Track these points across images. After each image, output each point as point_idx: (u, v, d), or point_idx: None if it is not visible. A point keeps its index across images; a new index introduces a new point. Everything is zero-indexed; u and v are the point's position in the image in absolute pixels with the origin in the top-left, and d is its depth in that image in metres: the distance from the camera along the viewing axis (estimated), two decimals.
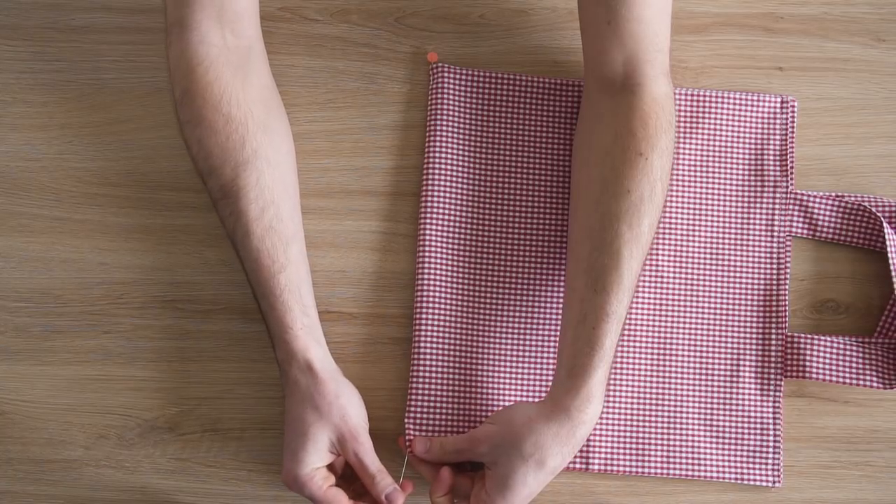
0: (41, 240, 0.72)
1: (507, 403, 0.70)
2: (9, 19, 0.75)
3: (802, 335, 0.71)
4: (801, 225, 0.73)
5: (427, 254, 0.71)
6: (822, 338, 0.71)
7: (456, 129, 0.73)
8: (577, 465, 0.70)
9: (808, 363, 0.71)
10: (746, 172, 0.74)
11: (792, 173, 0.74)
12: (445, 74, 0.73)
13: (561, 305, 0.71)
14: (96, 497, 0.70)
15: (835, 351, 0.71)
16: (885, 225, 0.71)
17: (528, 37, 0.76)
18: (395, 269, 0.73)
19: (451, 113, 0.73)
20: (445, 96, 0.73)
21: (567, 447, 0.62)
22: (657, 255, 0.72)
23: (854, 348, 0.71)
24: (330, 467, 0.65)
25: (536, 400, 0.70)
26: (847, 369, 0.70)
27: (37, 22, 0.75)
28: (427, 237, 0.71)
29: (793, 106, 0.74)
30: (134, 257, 0.72)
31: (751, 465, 0.70)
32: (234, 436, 0.71)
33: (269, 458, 0.70)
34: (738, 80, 0.76)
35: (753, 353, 0.72)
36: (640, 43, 0.63)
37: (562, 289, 0.72)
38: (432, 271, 0.71)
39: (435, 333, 0.70)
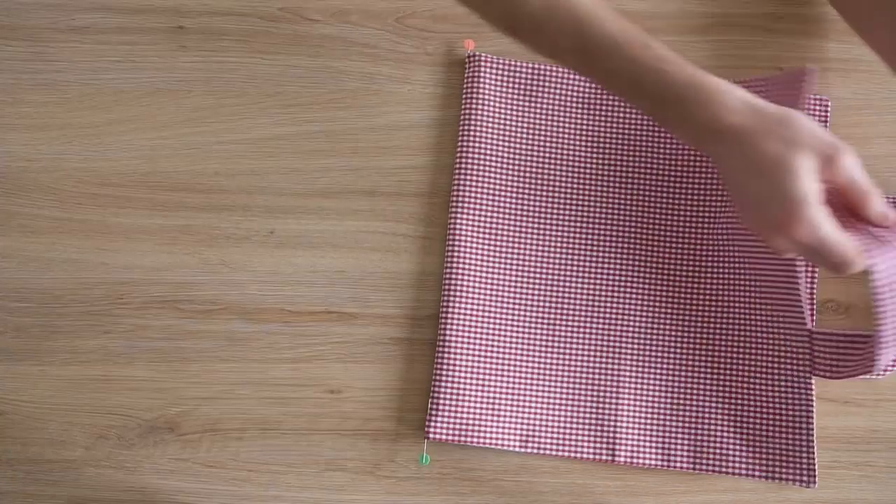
0: (41, 240, 0.72)
1: (532, 411, 0.71)
2: (9, 19, 0.75)
3: (827, 330, 0.71)
4: None
5: (457, 254, 0.71)
6: (850, 333, 0.70)
7: (494, 123, 0.73)
8: (604, 457, 0.70)
9: (834, 362, 0.70)
10: None
11: None
12: (483, 65, 0.73)
13: (604, 314, 0.72)
14: (96, 497, 0.70)
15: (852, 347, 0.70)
16: None
17: None
18: (395, 269, 0.73)
19: (487, 106, 0.73)
20: (482, 87, 0.73)
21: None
22: (685, 250, 0.72)
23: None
24: None
25: (567, 414, 0.71)
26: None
27: (37, 22, 0.75)
28: (458, 237, 0.71)
29: (826, 104, 0.74)
30: (134, 257, 0.72)
31: (784, 464, 0.70)
32: (234, 436, 0.71)
33: (270, 459, 0.70)
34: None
35: (784, 348, 0.71)
36: None
37: (606, 297, 0.72)
38: (462, 272, 0.71)
39: (462, 336, 0.70)
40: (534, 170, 0.73)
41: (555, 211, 0.73)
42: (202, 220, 0.73)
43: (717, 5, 0.77)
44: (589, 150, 0.74)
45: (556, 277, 0.72)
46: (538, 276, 0.72)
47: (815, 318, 0.72)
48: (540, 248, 0.73)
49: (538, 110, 0.74)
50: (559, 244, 0.73)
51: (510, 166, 0.73)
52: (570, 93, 0.74)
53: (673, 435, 0.70)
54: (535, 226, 0.73)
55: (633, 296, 0.72)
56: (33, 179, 0.73)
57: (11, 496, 0.70)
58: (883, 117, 0.76)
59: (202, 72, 0.75)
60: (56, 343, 0.71)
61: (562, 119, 0.74)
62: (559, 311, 0.72)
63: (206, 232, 0.73)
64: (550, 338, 0.72)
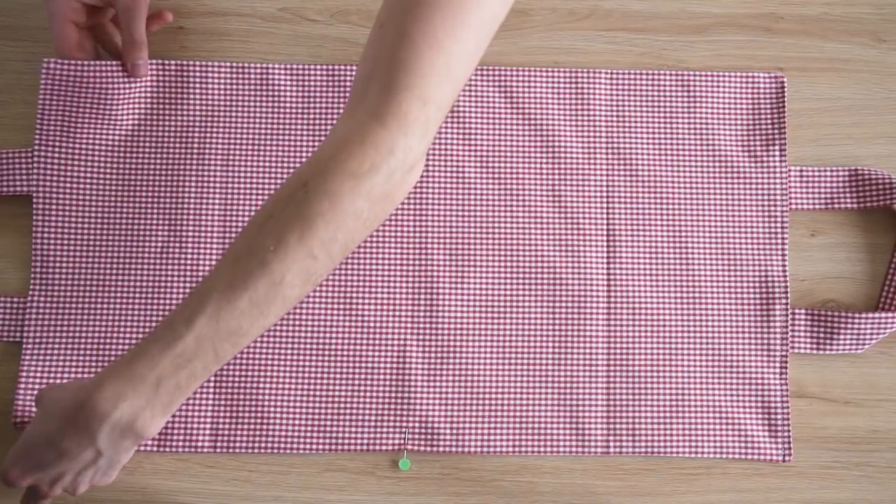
0: None
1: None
2: (9, 20, 0.75)
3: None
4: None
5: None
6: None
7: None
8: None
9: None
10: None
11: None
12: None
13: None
14: (97, 497, 0.70)
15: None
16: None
17: (528, 37, 0.76)
18: None
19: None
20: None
21: (71, 427, 0.54)
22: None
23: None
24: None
25: None
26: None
27: (37, 22, 0.75)
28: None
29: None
30: None
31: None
32: None
33: (270, 459, 0.70)
34: None
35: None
36: (389, 63, 0.52)
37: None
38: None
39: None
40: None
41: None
42: None
43: (717, 5, 0.77)
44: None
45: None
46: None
47: (789, 294, 0.72)
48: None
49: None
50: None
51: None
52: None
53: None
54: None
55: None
56: None
57: (12, 496, 0.69)
58: (883, 117, 0.76)
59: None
60: None
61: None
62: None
63: None
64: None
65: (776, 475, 0.71)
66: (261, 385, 0.70)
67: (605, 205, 0.73)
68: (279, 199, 0.52)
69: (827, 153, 0.75)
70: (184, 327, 0.52)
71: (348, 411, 0.70)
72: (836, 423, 0.72)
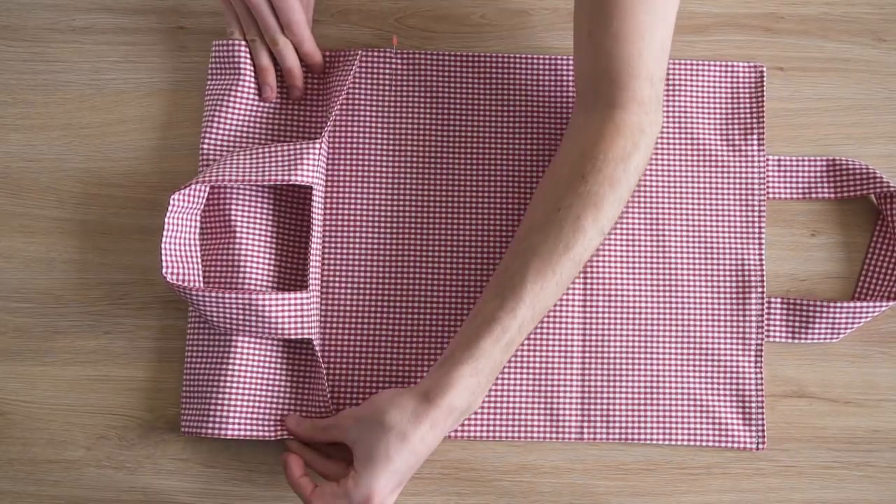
0: (42, 240, 0.73)
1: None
2: (9, 20, 0.75)
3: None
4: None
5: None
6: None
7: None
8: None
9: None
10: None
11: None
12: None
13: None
14: (97, 497, 0.70)
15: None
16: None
17: (528, 37, 0.76)
18: None
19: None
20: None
21: (425, 425, 0.61)
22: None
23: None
24: None
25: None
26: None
27: (37, 23, 0.75)
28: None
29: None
30: (135, 258, 0.73)
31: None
32: None
33: (270, 459, 0.70)
34: None
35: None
36: (612, 62, 0.62)
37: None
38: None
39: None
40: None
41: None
42: None
43: (717, 5, 0.77)
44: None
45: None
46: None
47: (765, 283, 0.72)
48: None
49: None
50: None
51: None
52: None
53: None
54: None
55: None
56: (34, 180, 0.73)
57: (12, 496, 0.70)
58: (883, 117, 0.76)
59: (202, 72, 0.75)
60: (57, 343, 0.71)
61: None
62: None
63: None
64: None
65: (776, 475, 0.71)
66: (231, 370, 0.68)
67: None
68: (559, 194, 0.63)
69: (827, 153, 0.75)
70: (510, 319, 0.62)
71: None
72: (836, 423, 0.72)
